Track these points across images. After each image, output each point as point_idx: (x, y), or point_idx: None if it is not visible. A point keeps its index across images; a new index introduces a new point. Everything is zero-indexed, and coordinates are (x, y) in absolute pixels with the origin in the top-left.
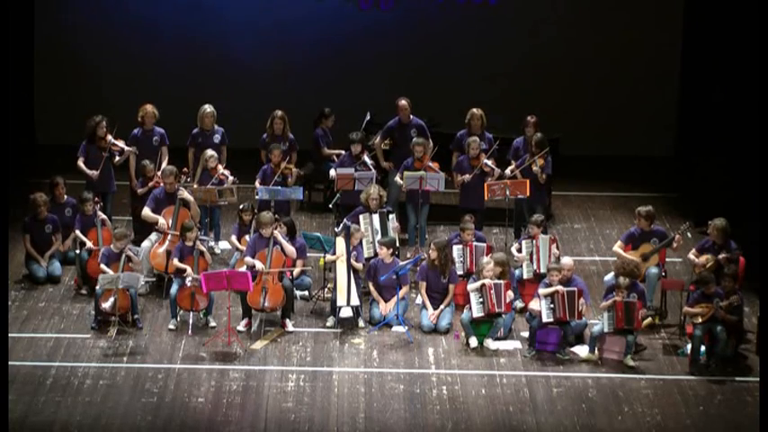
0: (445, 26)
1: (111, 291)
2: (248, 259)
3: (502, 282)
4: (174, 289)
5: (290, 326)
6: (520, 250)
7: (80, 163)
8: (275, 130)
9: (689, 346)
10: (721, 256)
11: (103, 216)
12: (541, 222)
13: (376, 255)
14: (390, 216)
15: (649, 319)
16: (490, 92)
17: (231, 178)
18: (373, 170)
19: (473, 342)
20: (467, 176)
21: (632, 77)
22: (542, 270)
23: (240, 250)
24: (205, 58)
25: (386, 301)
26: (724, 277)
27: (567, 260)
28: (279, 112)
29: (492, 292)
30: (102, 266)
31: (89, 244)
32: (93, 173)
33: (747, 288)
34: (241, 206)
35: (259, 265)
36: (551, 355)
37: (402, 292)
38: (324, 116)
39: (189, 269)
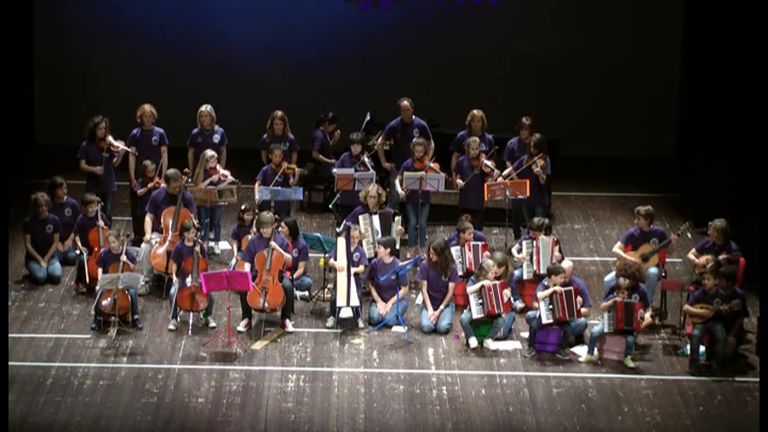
0: (445, 27)
1: (111, 291)
2: (239, 256)
3: (499, 282)
4: (174, 289)
5: (290, 326)
6: (520, 250)
7: (83, 164)
8: (275, 131)
9: (689, 347)
10: (721, 256)
11: (104, 216)
12: (542, 225)
13: (376, 255)
14: (396, 218)
15: (649, 319)
16: (490, 92)
17: (230, 179)
18: (372, 170)
19: (473, 342)
20: (459, 181)
21: (632, 78)
22: (542, 271)
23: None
24: (205, 57)
25: (385, 302)
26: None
27: (566, 263)
28: (279, 113)
29: (491, 293)
30: (99, 270)
31: (80, 247)
32: (99, 168)
33: (747, 288)
34: (242, 206)
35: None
36: (551, 355)
37: (402, 293)
38: (328, 120)
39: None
